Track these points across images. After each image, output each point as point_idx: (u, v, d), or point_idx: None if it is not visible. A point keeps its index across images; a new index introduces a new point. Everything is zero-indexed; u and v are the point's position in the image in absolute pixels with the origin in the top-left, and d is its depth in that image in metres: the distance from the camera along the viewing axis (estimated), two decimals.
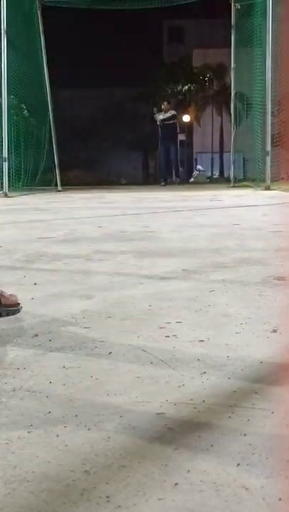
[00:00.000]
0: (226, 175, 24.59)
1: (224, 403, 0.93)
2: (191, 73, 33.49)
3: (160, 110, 14.16)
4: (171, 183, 13.78)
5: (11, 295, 1.67)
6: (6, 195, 9.14)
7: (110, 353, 1.20)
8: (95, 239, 3.23)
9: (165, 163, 14.30)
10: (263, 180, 9.94)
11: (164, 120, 13.75)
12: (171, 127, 14.04)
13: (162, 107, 14.22)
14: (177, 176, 14.35)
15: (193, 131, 36.95)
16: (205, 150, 37.16)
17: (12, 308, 1.71)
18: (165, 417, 0.88)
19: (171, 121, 13.96)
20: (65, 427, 0.86)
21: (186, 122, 34.31)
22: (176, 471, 0.72)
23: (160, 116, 13.98)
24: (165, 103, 14.56)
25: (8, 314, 1.70)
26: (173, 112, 14.33)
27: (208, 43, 33.62)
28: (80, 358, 1.16)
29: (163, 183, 13.58)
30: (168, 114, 13.90)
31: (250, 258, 2.43)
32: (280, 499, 0.66)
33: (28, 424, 0.86)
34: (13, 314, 1.74)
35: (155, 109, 14.12)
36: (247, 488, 0.68)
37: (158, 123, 13.95)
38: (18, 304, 1.72)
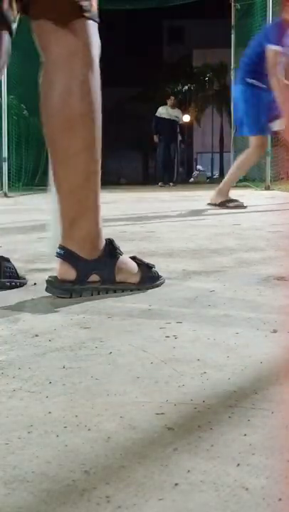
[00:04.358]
0: (226, 175, 24.59)
1: (224, 403, 0.93)
2: (191, 73, 33.52)
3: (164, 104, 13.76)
4: (168, 184, 13.46)
5: None
6: (5, 195, 9.15)
7: (110, 353, 1.20)
8: None
9: (163, 162, 13.78)
10: (263, 180, 9.94)
11: (169, 115, 13.32)
12: (173, 124, 13.52)
13: (168, 101, 13.75)
14: (172, 180, 13.84)
15: (193, 131, 36.96)
16: (205, 150, 37.18)
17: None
18: (165, 417, 0.88)
19: (176, 119, 13.47)
20: (65, 427, 0.85)
21: (186, 122, 34.34)
22: (176, 471, 0.72)
23: (163, 110, 13.52)
24: (172, 97, 14.09)
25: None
26: (179, 111, 13.95)
27: (208, 43, 33.63)
28: (80, 358, 1.16)
29: (161, 184, 13.25)
30: (174, 111, 13.49)
31: (250, 258, 2.43)
32: (280, 499, 0.66)
33: (28, 424, 0.86)
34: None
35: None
36: (247, 488, 0.68)
37: (158, 115, 13.44)
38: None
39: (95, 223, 1.74)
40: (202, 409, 0.91)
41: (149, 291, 1.82)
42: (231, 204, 5.60)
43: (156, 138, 13.43)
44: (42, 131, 1.75)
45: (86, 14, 1.63)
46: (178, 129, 13.89)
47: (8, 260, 1.86)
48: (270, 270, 2.13)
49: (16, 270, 1.88)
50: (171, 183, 13.37)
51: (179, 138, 14.27)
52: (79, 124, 1.65)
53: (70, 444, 0.80)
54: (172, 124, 13.37)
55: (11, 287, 1.83)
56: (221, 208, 5.47)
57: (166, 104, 13.77)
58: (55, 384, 1.03)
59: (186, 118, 33.76)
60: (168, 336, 1.31)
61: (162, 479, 0.71)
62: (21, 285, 1.87)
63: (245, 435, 0.82)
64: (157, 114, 13.43)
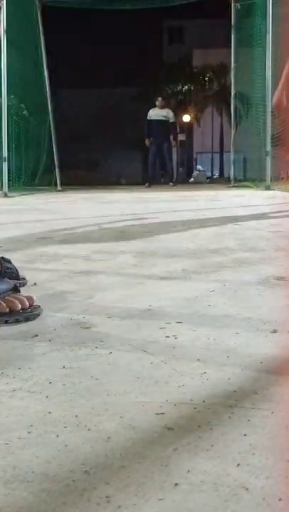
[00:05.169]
0: (226, 175, 24.60)
1: (224, 403, 0.93)
2: (191, 73, 33.48)
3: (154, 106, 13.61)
4: (170, 184, 13.45)
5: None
6: (5, 195, 9.15)
7: (110, 353, 1.20)
8: (95, 239, 3.23)
9: (152, 164, 13.74)
10: (263, 180, 9.94)
11: (158, 116, 13.23)
12: (164, 124, 13.39)
13: (156, 103, 13.56)
14: (171, 180, 13.82)
15: (193, 131, 36.95)
16: (205, 150, 37.16)
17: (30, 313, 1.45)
18: (165, 417, 0.88)
19: (164, 118, 13.36)
20: (65, 427, 0.85)
21: (186, 122, 34.33)
22: (176, 471, 0.72)
23: (152, 112, 13.44)
24: (160, 99, 13.75)
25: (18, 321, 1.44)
26: (168, 111, 13.73)
27: (208, 43, 33.62)
28: (80, 358, 1.16)
29: (147, 185, 13.23)
30: (163, 111, 13.40)
31: (250, 258, 2.43)
32: (280, 499, 0.66)
33: (28, 424, 0.86)
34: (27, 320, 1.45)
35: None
36: (247, 488, 0.68)
37: (148, 118, 13.41)
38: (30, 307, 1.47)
39: None
40: (202, 409, 0.91)
41: (150, 291, 1.81)
42: None
43: (148, 142, 13.34)
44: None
45: None
46: (170, 129, 13.71)
47: (9, 261, 1.86)
48: (270, 270, 2.13)
49: (16, 270, 1.88)
50: (171, 183, 13.40)
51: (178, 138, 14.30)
52: None
53: (70, 444, 0.80)
54: (162, 124, 13.25)
55: None
56: None
57: (154, 106, 13.67)
58: (55, 384, 1.03)
59: (186, 118, 33.75)
60: (168, 336, 1.31)
61: (162, 479, 0.71)
62: (21, 285, 1.87)
63: (245, 435, 0.82)
64: (148, 117, 13.36)
